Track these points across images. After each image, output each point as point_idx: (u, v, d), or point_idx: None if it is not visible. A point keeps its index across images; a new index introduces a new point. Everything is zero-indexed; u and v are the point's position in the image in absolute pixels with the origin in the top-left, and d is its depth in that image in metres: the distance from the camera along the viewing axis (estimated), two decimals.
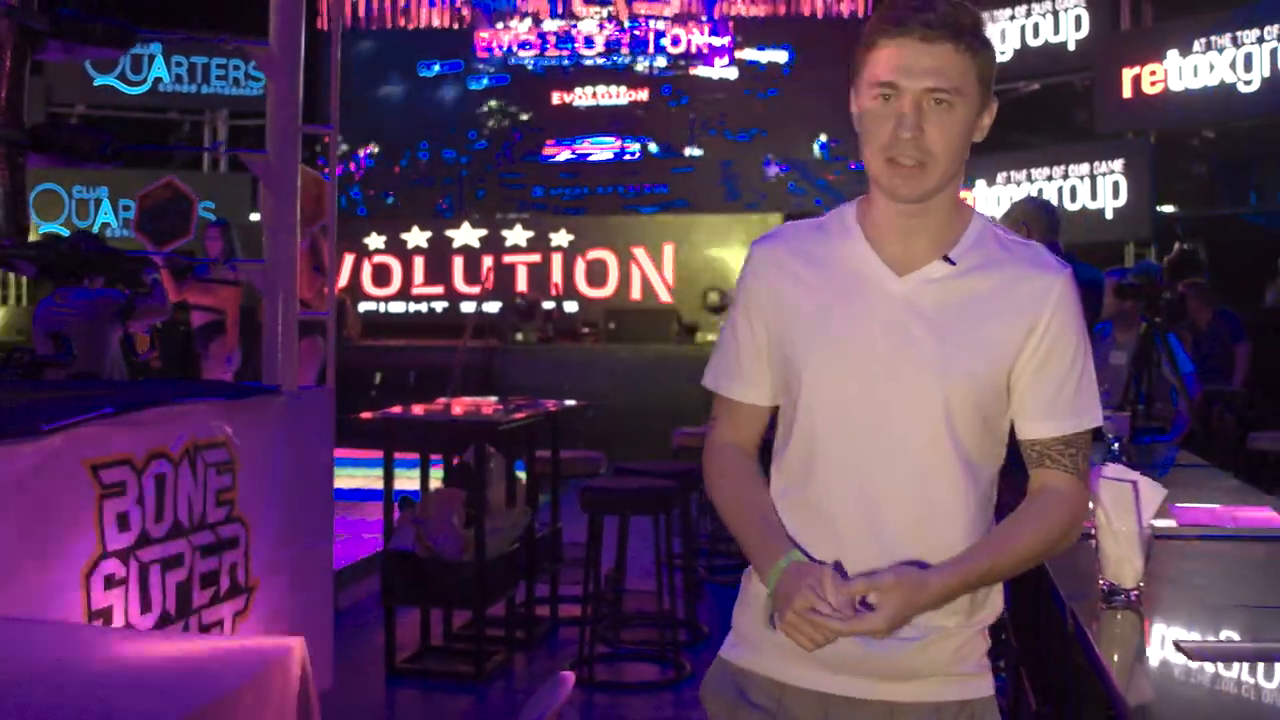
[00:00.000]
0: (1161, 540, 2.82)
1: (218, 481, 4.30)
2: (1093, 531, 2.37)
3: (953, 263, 1.96)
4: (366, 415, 5.96)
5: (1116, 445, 4.16)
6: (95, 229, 15.07)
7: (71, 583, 3.60)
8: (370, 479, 7.90)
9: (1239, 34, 12.57)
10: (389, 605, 5.59)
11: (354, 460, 8.00)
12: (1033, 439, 1.98)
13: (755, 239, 2.15)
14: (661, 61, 16.04)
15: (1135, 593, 2.29)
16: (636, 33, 16.08)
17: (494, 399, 6.98)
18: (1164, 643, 2.09)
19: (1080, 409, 1.97)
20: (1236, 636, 2.11)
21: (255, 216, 15.79)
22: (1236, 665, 1.97)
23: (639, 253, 14.91)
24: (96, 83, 15.34)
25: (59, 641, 2.93)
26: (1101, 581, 2.33)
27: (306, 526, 4.81)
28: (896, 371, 1.92)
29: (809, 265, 2.03)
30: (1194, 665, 1.96)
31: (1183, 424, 6.04)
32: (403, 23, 16.08)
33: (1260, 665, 1.96)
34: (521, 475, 6.20)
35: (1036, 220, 5.54)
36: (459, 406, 6.48)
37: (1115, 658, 2.04)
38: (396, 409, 6.25)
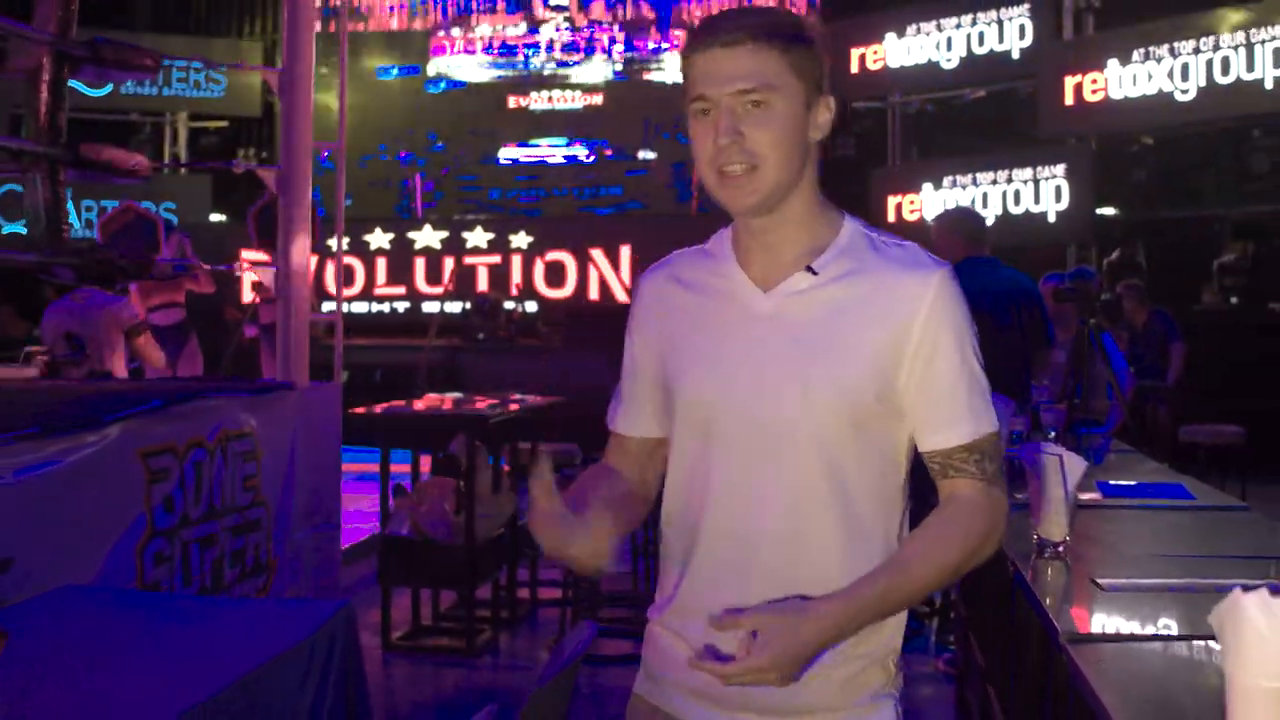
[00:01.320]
0: (1087, 509, 3.41)
1: (244, 468, 4.81)
2: (1018, 497, 2.95)
3: (815, 273, 1.92)
4: (360, 410, 6.45)
5: (1054, 435, 4.74)
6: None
7: (128, 558, 4.09)
8: (355, 468, 8.36)
9: (1176, 45, 13.19)
10: (386, 585, 6.08)
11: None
12: (932, 451, 1.92)
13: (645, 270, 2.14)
14: (616, 66, 16.58)
15: (1062, 546, 2.87)
16: (591, 38, 16.61)
17: (459, 394, 7.49)
18: (1084, 582, 2.65)
19: (977, 412, 1.91)
20: (1140, 576, 2.67)
21: (215, 216, 16.22)
22: (1140, 595, 2.53)
23: (596, 254, 15.44)
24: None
25: (151, 602, 3.44)
26: (1035, 537, 2.90)
27: (318, 511, 5.32)
28: (763, 391, 1.88)
29: (687, 291, 2.02)
30: (1107, 596, 2.53)
31: (1116, 417, 6.61)
32: (361, 27, 16.54)
33: (1158, 595, 2.52)
34: (501, 467, 6.71)
35: (959, 230, 6.10)
36: (422, 403, 7.00)
37: (1047, 597, 2.59)
38: (398, 404, 6.75)
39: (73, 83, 15.00)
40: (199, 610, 3.50)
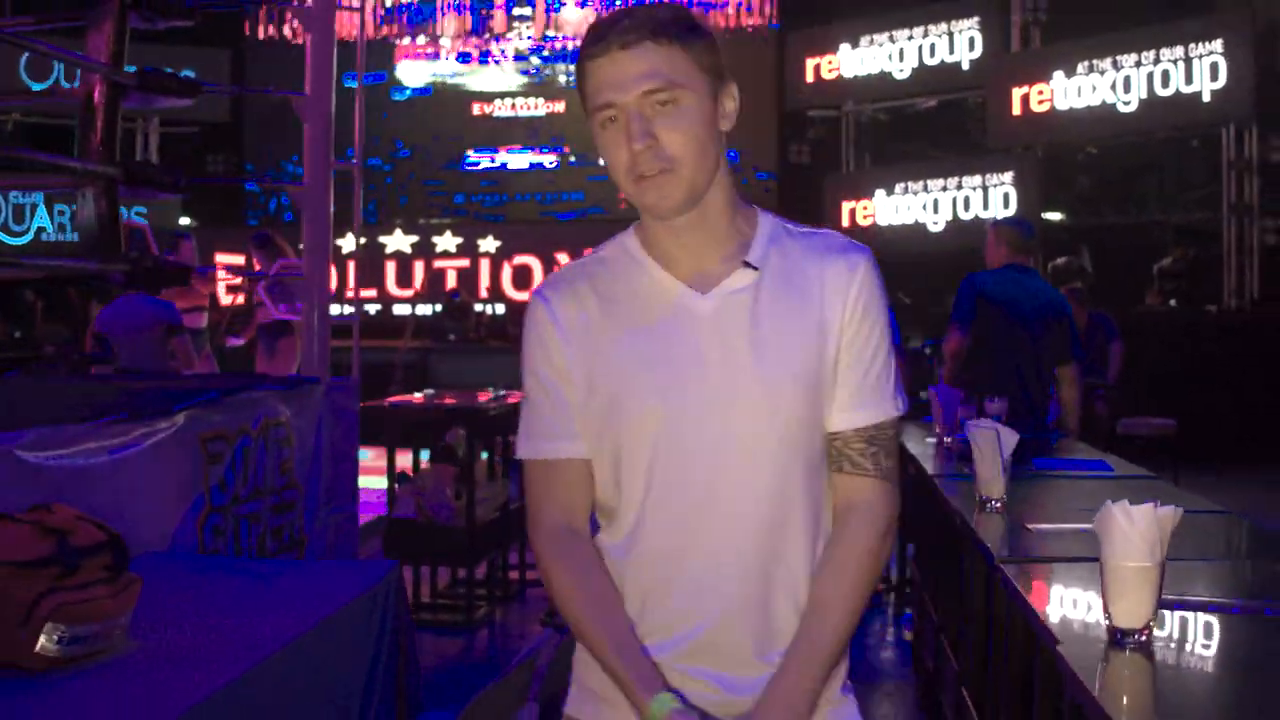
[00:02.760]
0: (1024, 478, 4.17)
1: (280, 454, 5.47)
2: (965, 472, 3.70)
3: (755, 267, 1.89)
4: (369, 404, 7.13)
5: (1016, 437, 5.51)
6: (31, 233, 15.99)
7: (191, 530, 4.75)
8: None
9: (1118, 58, 14.08)
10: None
11: None
12: (835, 431, 1.91)
13: (536, 288, 2.04)
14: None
15: (999, 502, 3.62)
16: (554, 46, 17.32)
17: (430, 391, 8.21)
18: (1015, 526, 3.40)
19: (883, 396, 1.92)
20: (1060, 523, 3.41)
21: (185, 220, 16.79)
22: (1059, 534, 3.28)
23: (562, 258, 16.14)
24: (34, 89, 16.21)
25: (227, 564, 4.12)
26: (978, 495, 3.65)
27: (339, 493, 5.99)
28: (725, 393, 1.85)
29: (607, 303, 1.93)
30: (1031, 534, 3.28)
31: (1056, 410, 7.38)
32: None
33: (1073, 534, 3.25)
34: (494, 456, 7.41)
35: (1006, 238, 6.77)
36: (420, 398, 7.70)
37: (986, 537, 3.33)
38: (398, 399, 7.43)
39: (47, 86, 15.50)
40: (271, 569, 4.19)
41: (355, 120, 6.32)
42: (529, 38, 17.38)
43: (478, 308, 14.90)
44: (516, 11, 17.37)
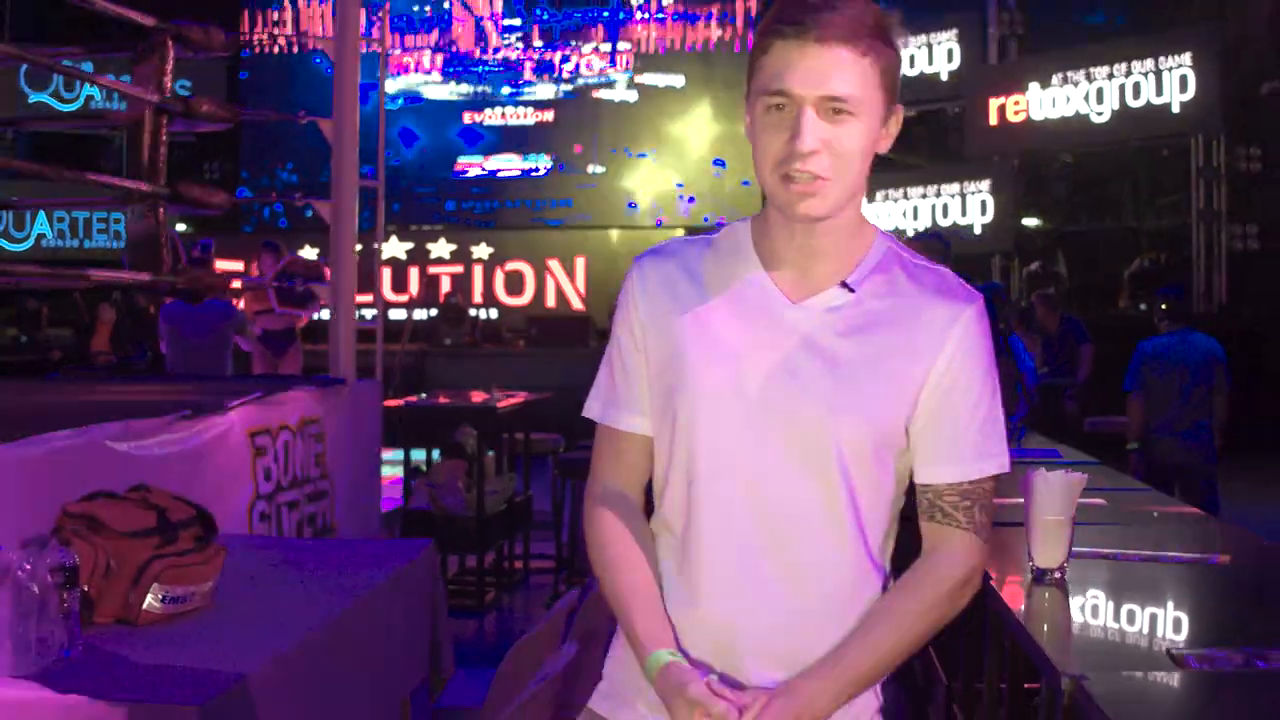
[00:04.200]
0: None
1: (315, 448, 6.09)
2: None
3: (851, 289, 1.85)
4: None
5: None
6: (31, 240, 16.58)
7: (242, 516, 5.37)
8: None
9: (1092, 70, 14.72)
10: None
11: None
12: (926, 484, 1.88)
13: (639, 255, 2.02)
14: (566, 86, 17.96)
15: None
16: (542, 58, 17.98)
17: (423, 394, 8.87)
18: None
19: (983, 453, 1.87)
20: (1010, 496, 4.06)
21: (181, 227, 17.35)
22: (1004, 505, 3.92)
23: (553, 264, 16.80)
24: (31, 99, 16.79)
25: (280, 544, 4.75)
26: None
27: (364, 485, 6.61)
28: (785, 408, 1.82)
29: (697, 287, 1.92)
30: None
31: (1024, 408, 8.05)
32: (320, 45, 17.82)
33: (1013, 506, 3.91)
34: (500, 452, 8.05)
35: (934, 252, 7.44)
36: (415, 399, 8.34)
37: None
38: (412, 399, 8.06)
39: (44, 96, 16.10)
40: (325, 546, 4.83)
41: (379, 139, 6.93)
42: (520, 48, 18.02)
43: (472, 312, 15.53)
44: (506, 22, 17.99)
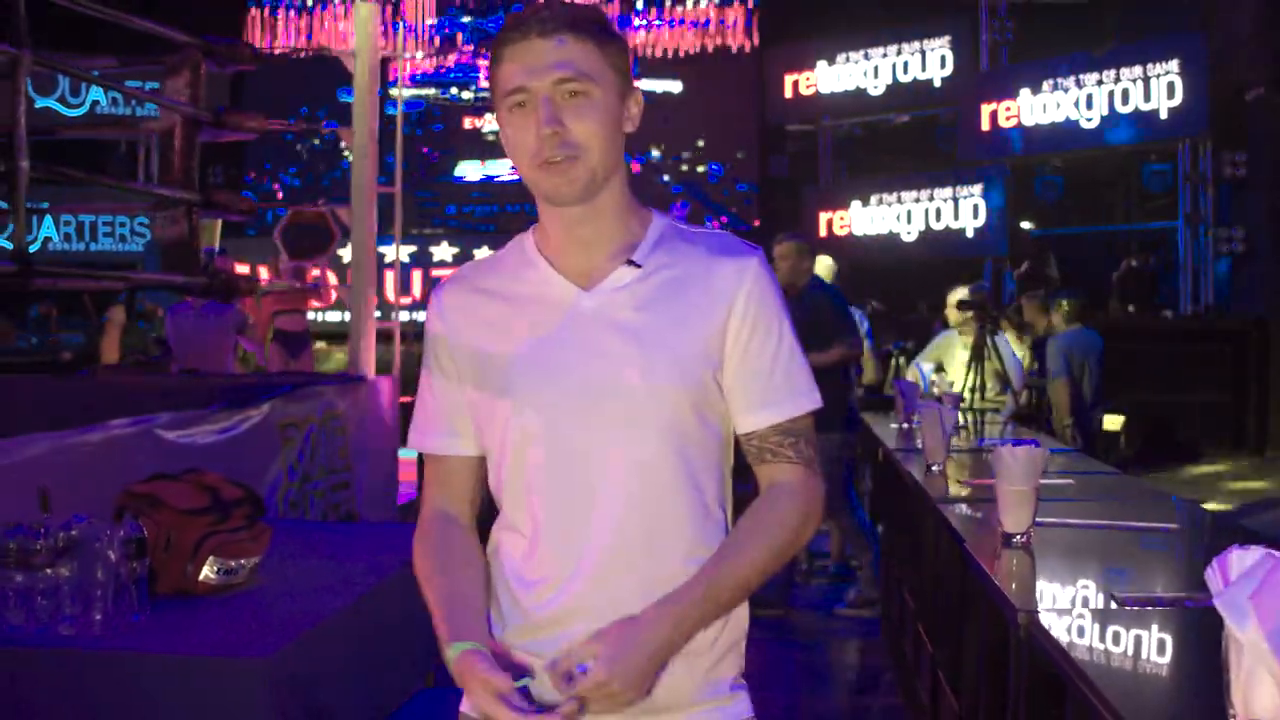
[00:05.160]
0: (962, 452, 5.25)
1: (338, 440, 6.51)
2: (919, 445, 4.79)
3: (638, 265, 1.96)
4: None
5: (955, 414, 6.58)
6: (39, 243, 16.97)
7: (273, 503, 5.78)
8: None
9: (1081, 77, 15.17)
10: None
11: None
12: (748, 432, 1.98)
13: (436, 286, 2.12)
14: None
15: (939, 466, 4.72)
16: None
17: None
18: (954, 481, 4.50)
19: (795, 391, 1.98)
20: (985, 477, 4.48)
21: None
22: (981, 484, 4.36)
23: None
24: (38, 105, 17.18)
25: (313, 527, 5.16)
26: (926, 462, 4.75)
27: (383, 476, 7.03)
28: (604, 391, 1.91)
29: (494, 301, 2.01)
30: (964, 483, 4.38)
31: (1011, 404, 8.47)
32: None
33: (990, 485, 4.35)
34: None
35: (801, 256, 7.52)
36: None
37: (929, 489, 4.39)
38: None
39: (50, 102, 16.57)
40: (357, 529, 5.24)
41: (396, 149, 7.35)
42: None
43: None
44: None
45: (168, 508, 3.44)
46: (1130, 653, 2.34)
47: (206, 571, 3.40)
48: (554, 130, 1.86)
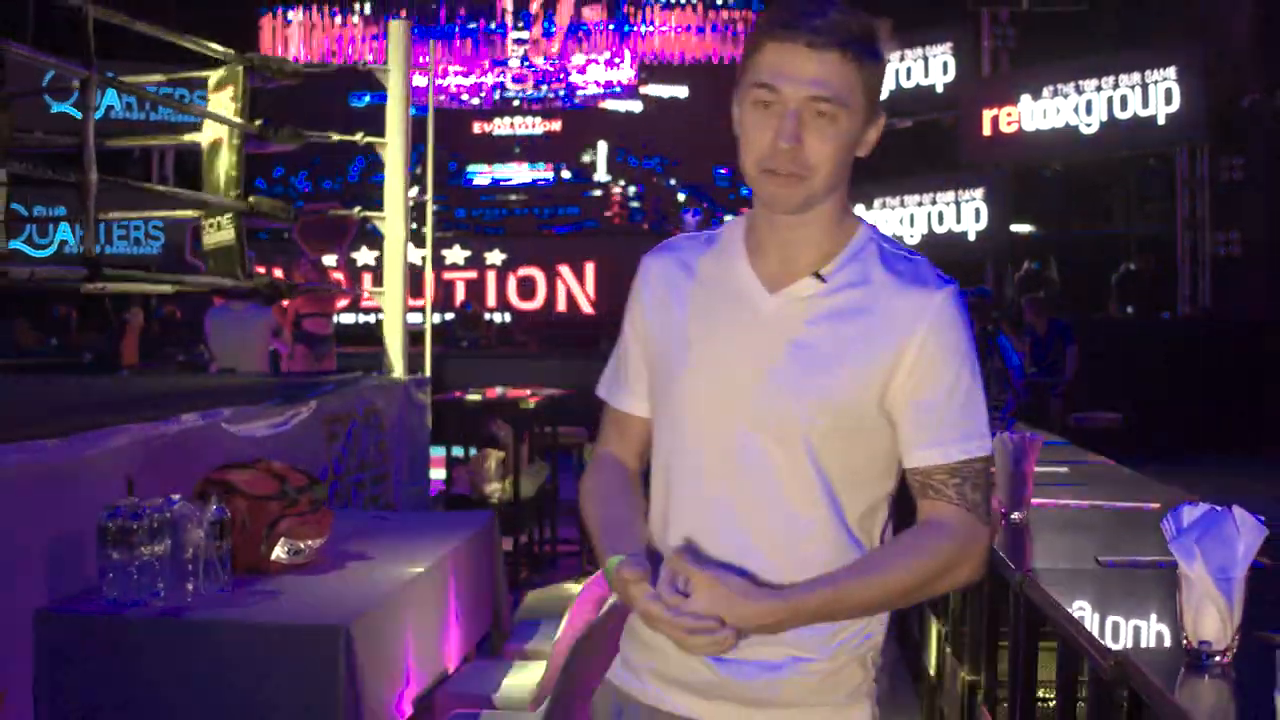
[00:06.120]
0: None
1: (377, 436, 6.94)
2: None
3: (824, 280, 1.94)
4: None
5: None
6: (54, 246, 17.37)
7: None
8: None
9: (1081, 83, 15.52)
10: None
11: None
12: (913, 468, 1.95)
13: (649, 250, 2.16)
14: (575, 95, 18.84)
15: None
16: (551, 69, 18.87)
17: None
18: None
19: (966, 434, 1.93)
20: None
21: None
22: None
23: (564, 269, 17.66)
24: (54, 110, 17.55)
25: (365, 516, 5.61)
26: None
27: (417, 470, 7.47)
28: (755, 393, 1.92)
29: (692, 279, 2.04)
30: None
31: (1011, 403, 8.92)
32: (338, 59, 18.71)
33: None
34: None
35: None
36: (475, 395, 9.22)
37: None
38: (454, 395, 8.95)
39: (66, 107, 16.96)
40: (408, 517, 5.69)
41: (428, 161, 7.81)
42: (526, 59, 18.90)
43: (486, 316, 16.42)
44: (515, 36, 18.87)
45: (242, 493, 3.83)
46: (1108, 603, 2.79)
47: (278, 551, 3.81)
48: (792, 146, 1.87)
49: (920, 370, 1.91)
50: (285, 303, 9.30)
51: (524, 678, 4.12)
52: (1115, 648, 2.36)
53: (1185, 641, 2.22)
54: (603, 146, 18.68)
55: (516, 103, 18.99)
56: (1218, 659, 2.17)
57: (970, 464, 1.92)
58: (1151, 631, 2.43)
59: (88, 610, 3.39)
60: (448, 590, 4.36)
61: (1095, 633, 2.46)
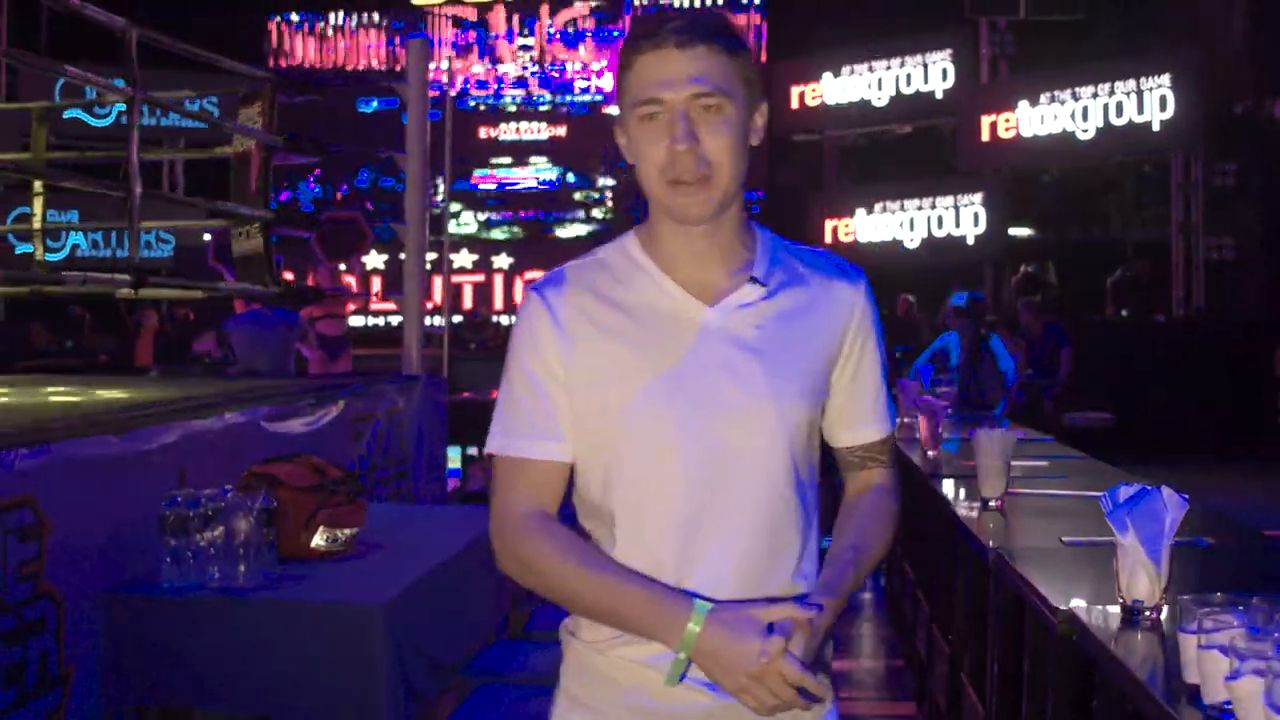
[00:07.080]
0: (952, 442, 6.13)
1: (399, 434, 7.37)
2: (917, 436, 5.70)
3: (762, 283, 1.95)
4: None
5: (950, 409, 7.46)
6: (66, 250, 17.77)
7: None
8: None
9: (1077, 89, 15.88)
10: None
11: None
12: (856, 445, 2.08)
13: (533, 284, 2.06)
14: (578, 99, 19.29)
15: (934, 451, 5.61)
16: (554, 74, 19.32)
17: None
18: (942, 463, 5.38)
19: (891, 410, 2.11)
20: (968, 459, 5.37)
21: (207, 237, 18.54)
22: (970, 466, 5.25)
23: None
24: (66, 115, 17.94)
25: (391, 510, 6.04)
26: (925, 450, 5.64)
27: (435, 467, 7.91)
28: (730, 407, 1.90)
29: (606, 307, 1.96)
30: (954, 465, 5.27)
31: (1005, 403, 9.35)
32: (346, 65, 19.14)
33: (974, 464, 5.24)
34: None
35: None
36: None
37: (926, 467, 5.28)
38: (466, 394, 9.41)
39: (78, 112, 17.39)
40: (424, 511, 6.13)
41: (445, 166, 8.25)
42: (532, 64, 19.34)
43: (493, 319, 16.85)
44: (519, 42, 19.32)
45: (285, 485, 4.19)
46: (1066, 574, 3.23)
47: (318, 539, 4.17)
48: (689, 147, 1.86)
49: (857, 355, 2.03)
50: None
51: (542, 656, 4.42)
52: (1063, 608, 2.80)
53: (1121, 600, 2.65)
54: (606, 150, 19.08)
55: (514, 109, 19.38)
56: (1148, 614, 2.60)
57: (889, 440, 2.13)
58: (1098, 594, 2.85)
59: (150, 592, 3.76)
60: (470, 576, 4.68)
61: (1049, 597, 2.89)
